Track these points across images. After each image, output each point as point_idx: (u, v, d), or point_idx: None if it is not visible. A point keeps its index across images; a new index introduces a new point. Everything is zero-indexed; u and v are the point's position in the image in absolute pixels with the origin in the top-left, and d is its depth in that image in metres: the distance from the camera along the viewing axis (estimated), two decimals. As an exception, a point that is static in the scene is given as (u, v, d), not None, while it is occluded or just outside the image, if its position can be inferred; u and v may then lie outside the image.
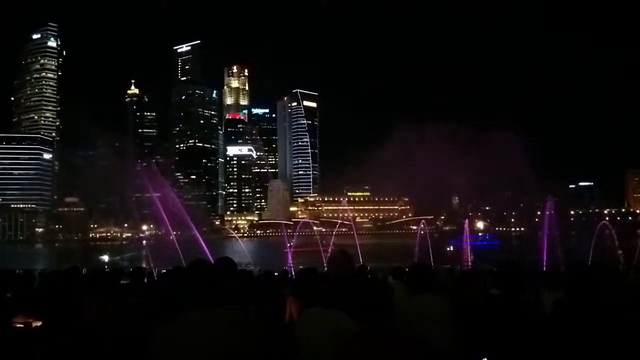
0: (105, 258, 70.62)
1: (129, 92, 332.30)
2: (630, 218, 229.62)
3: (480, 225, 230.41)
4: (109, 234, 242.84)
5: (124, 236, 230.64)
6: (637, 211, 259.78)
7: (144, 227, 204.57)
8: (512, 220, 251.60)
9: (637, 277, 10.40)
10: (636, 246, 39.63)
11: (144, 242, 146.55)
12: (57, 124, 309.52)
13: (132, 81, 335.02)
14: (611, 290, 4.88)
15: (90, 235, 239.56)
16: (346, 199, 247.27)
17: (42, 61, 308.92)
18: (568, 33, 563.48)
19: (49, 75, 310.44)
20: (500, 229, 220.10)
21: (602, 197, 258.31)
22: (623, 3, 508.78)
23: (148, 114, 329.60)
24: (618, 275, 9.80)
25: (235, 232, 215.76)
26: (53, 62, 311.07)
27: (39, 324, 5.28)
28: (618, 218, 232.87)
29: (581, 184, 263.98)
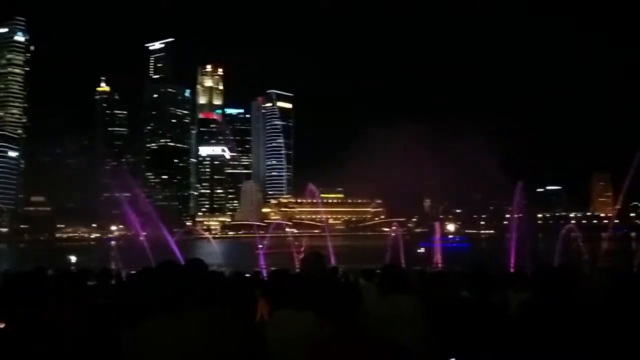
0: (73, 259, 69.26)
1: (99, 89, 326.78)
2: (595, 221, 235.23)
3: (451, 227, 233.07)
4: (76, 235, 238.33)
5: (92, 236, 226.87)
6: (602, 215, 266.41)
7: (113, 228, 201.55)
8: (482, 223, 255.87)
9: (602, 280, 10.64)
10: (601, 249, 40.68)
11: (113, 242, 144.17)
12: (24, 120, 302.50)
13: (103, 78, 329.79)
14: (576, 291, 4.99)
15: (57, 236, 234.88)
16: (319, 200, 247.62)
17: (8, 56, 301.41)
18: (540, 33, 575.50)
19: (16, 70, 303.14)
20: (471, 231, 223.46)
21: (569, 201, 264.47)
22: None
23: (118, 112, 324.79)
24: (583, 277, 10.04)
25: (207, 233, 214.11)
26: (20, 57, 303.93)
27: (1, 325, 5.16)
28: (584, 222, 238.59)
29: (549, 187, 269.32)
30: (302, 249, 56.04)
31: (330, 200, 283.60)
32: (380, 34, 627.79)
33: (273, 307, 6.82)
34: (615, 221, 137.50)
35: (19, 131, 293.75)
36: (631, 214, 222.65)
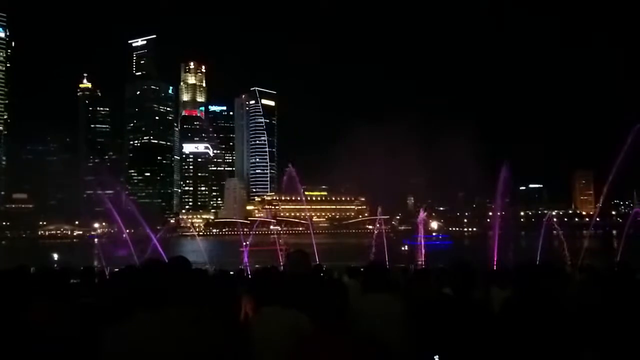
0: (55, 256, 68.51)
1: (81, 86, 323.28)
2: (576, 219, 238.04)
3: (434, 225, 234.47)
4: (59, 232, 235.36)
5: (74, 234, 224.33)
6: (584, 212, 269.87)
7: (96, 225, 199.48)
8: (465, 220, 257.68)
9: (583, 277, 10.80)
10: (582, 247, 41.20)
11: (96, 240, 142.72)
12: (5, 117, 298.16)
13: (85, 75, 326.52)
14: (557, 289, 5.06)
15: (40, 233, 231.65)
16: (303, 195, 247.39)
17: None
18: (529, 33, 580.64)
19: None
20: (454, 229, 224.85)
21: (551, 198, 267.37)
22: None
23: (101, 109, 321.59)
24: (564, 275, 10.18)
25: (191, 230, 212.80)
26: (1, 54, 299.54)
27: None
28: (565, 219, 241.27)
29: (531, 185, 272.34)
30: (283, 246, 56.02)
31: (314, 198, 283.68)
32: (366, 32, 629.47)
33: (257, 304, 6.83)
34: (597, 219, 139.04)
35: (0, 128, 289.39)
36: (612, 212, 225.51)
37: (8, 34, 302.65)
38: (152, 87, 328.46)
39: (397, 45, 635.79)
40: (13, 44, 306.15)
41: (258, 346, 4.37)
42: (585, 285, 7.42)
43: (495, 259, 35.48)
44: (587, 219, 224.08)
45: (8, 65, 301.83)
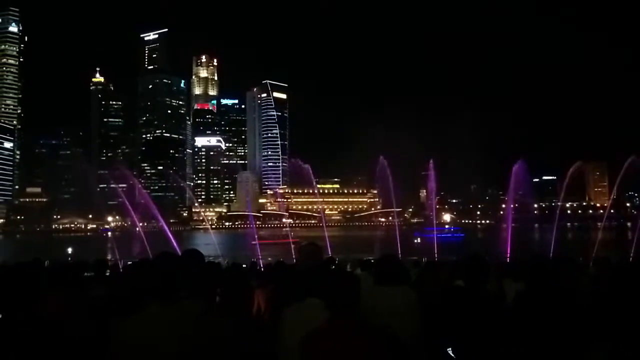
0: (69, 250, 69.29)
1: (93, 80, 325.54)
2: (590, 211, 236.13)
3: (447, 217, 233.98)
4: (72, 226, 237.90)
5: (88, 228, 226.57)
6: (598, 204, 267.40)
7: (109, 219, 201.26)
8: (478, 213, 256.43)
9: (597, 270, 10.70)
10: (596, 239, 40.82)
11: (109, 233, 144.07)
12: (19, 111, 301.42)
13: (97, 69, 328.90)
14: (571, 282, 5.01)
15: (54, 227, 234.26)
16: (315, 190, 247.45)
17: (2, 47, 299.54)
18: (551, 20, 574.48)
19: (10, 61, 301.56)
20: (467, 221, 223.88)
21: (564, 190, 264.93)
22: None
23: (114, 102, 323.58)
24: (578, 267, 10.09)
25: (203, 223, 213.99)
26: (14, 48, 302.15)
27: (-2, 317, 5.15)
28: (579, 211, 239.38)
29: (544, 177, 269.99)
30: (292, 239, 56.11)
31: (326, 191, 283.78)
32: (375, 26, 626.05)
33: (270, 298, 6.84)
34: (611, 211, 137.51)
35: (14, 122, 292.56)
36: (627, 204, 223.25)
37: (21, 28, 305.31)
38: (165, 80, 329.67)
39: (411, 44, 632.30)
40: (26, 38, 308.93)
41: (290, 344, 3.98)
42: (599, 278, 7.34)
43: (509, 251, 35.30)
44: (601, 211, 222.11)
45: (21, 60, 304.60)
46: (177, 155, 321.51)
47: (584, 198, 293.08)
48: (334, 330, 3.55)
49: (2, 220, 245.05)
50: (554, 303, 4.26)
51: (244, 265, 18.02)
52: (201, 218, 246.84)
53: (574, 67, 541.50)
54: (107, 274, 9.83)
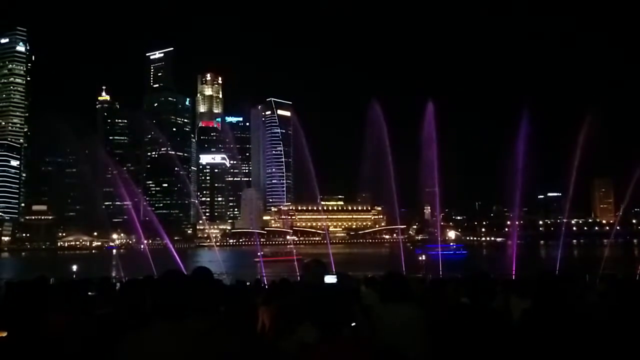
0: (74, 267, 69.08)
1: (99, 98, 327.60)
2: (596, 228, 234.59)
3: (451, 234, 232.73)
4: (78, 243, 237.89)
5: (93, 245, 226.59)
6: (604, 221, 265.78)
7: (114, 236, 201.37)
8: (483, 229, 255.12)
9: (603, 287, 10.62)
10: (602, 256, 40.52)
11: (114, 251, 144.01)
12: (25, 130, 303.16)
13: (103, 87, 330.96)
14: (577, 299, 4.99)
15: (59, 244, 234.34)
16: (320, 207, 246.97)
17: (10, 66, 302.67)
18: (553, 26, 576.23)
19: (17, 80, 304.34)
20: (471, 238, 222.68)
21: (570, 207, 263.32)
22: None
23: (119, 120, 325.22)
24: (584, 284, 10.02)
25: (208, 241, 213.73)
26: (21, 67, 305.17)
27: (3, 335, 5.15)
28: (585, 228, 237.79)
29: (549, 194, 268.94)
30: (294, 256, 55.99)
31: (330, 208, 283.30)
32: (382, 41, 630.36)
33: (274, 315, 6.82)
34: (617, 228, 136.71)
35: (21, 140, 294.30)
36: (633, 221, 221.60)
37: (28, 48, 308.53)
38: (170, 98, 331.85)
39: (411, 60, 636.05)
40: (33, 58, 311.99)
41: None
42: (605, 295, 7.29)
43: (514, 268, 35.06)
44: (607, 228, 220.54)
45: (28, 78, 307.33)
46: (182, 172, 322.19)
47: (590, 214, 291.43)
48: (330, 350, 3.53)
49: (8, 238, 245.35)
50: (560, 320, 4.24)
51: (247, 283, 17.95)
52: (205, 235, 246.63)
53: (577, 78, 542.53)
54: (112, 292, 9.82)
